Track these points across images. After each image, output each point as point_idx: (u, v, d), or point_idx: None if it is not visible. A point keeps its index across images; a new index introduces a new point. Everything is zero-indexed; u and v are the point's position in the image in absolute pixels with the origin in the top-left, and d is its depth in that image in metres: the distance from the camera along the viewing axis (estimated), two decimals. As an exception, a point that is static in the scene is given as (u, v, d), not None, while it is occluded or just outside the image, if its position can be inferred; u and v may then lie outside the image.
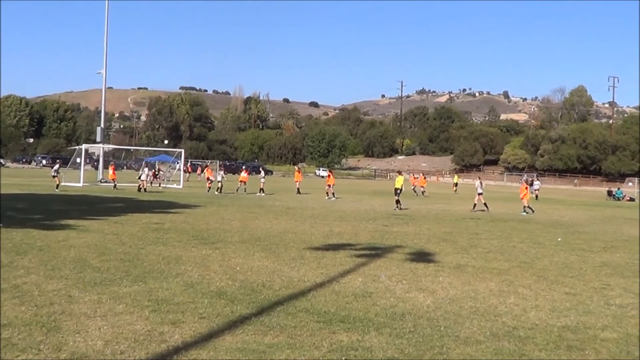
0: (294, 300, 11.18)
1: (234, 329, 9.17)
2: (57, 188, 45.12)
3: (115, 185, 52.43)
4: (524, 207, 37.44)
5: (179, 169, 68.57)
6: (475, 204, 39.22)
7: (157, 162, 75.30)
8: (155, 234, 20.32)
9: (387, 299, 11.62)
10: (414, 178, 63.88)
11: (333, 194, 46.31)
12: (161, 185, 57.82)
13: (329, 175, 50.01)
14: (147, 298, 10.89)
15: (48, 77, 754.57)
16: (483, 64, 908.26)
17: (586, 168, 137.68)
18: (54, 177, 46.92)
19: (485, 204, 38.58)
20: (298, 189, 51.91)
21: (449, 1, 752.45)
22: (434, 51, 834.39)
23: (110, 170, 55.55)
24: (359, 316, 10.19)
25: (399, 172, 43.84)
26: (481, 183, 41.57)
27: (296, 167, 57.95)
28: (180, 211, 29.95)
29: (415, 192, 58.41)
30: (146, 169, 49.67)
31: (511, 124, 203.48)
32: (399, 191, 37.63)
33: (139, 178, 49.88)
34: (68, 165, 63.52)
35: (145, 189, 47.51)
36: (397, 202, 36.86)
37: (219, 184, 49.42)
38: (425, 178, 64.57)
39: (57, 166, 49.19)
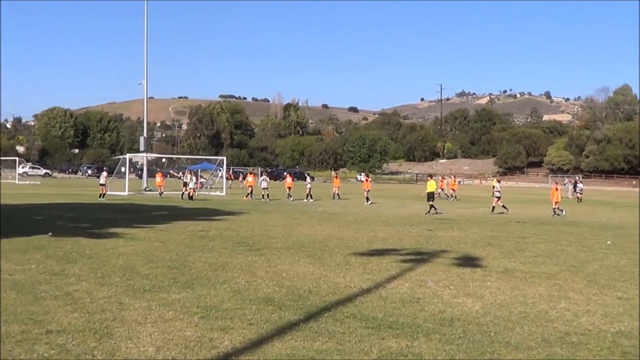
0: (341, 306, 11.13)
1: (283, 335, 9.16)
2: (100, 197, 45.50)
3: (161, 193, 52.78)
4: (554, 209, 37.05)
5: (221, 177, 68.86)
6: (494, 207, 38.95)
7: (187, 170, 75.61)
8: (201, 241, 20.42)
9: (435, 305, 11.52)
10: (442, 180, 63.17)
11: (367, 198, 46.19)
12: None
13: (365, 180, 49.91)
14: (196, 305, 10.94)
15: (91, 89, 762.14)
16: (524, 65, 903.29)
17: (634, 169, 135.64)
18: (101, 185, 47.33)
19: (493, 208, 38.56)
20: (337, 194, 51.76)
21: (488, 2, 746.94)
22: (473, 53, 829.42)
23: (158, 178, 55.78)
24: (407, 322, 10.11)
25: (430, 176, 43.63)
26: (499, 186, 41.46)
27: (334, 173, 57.86)
28: (225, 218, 30.06)
29: (440, 195, 57.27)
30: (193, 177, 49.68)
31: (554, 125, 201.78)
32: (431, 195, 37.41)
33: (185, 185, 49.96)
34: (113, 175, 64.12)
35: (192, 197, 47.53)
36: (431, 206, 36.63)
37: (264, 190, 49.48)
38: (455, 181, 63.56)
39: (105, 173, 49.73)
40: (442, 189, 59.34)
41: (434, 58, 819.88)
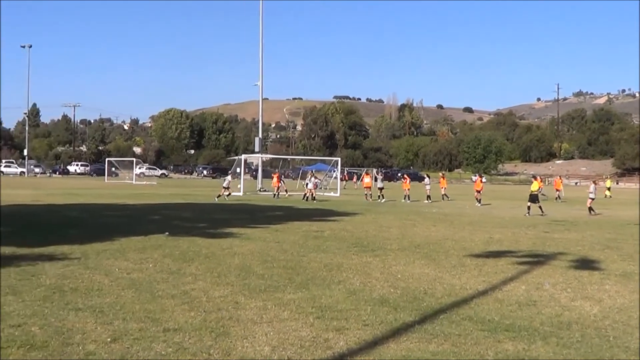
0: (456, 308, 11.02)
1: (398, 336, 9.11)
2: (217, 198, 46.26)
3: (276, 195, 53.14)
4: None
5: (336, 178, 69.09)
6: (590, 208, 38.01)
7: (309, 171, 75.98)
8: (316, 241, 20.52)
9: (552, 308, 11.30)
10: (540, 181, 61.49)
11: (479, 200, 45.56)
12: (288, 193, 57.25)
13: (476, 181, 49.23)
14: (311, 305, 10.98)
15: (207, 91, 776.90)
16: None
17: None
18: (225, 187, 48.15)
19: (589, 209, 37.65)
20: (444, 194, 51.29)
21: (603, 1, 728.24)
22: (590, 52, 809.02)
23: (275, 179, 56.23)
24: (523, 325, 9.95)
25: (534, 177, 42.66)
26: (595, 187, 40.45)
27: (440, 174, 57.29)
28: (339, 219, 30.13)
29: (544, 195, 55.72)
30: (313, 178, 49.85)
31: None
32: (535, 195, 36.62)
33: (306, 186, 50.15)
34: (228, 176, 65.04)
35: (314, 198, 47.59)
36: (529, 208, 35.76)
37: (380, 191, 49.40)
38: (561, 181, 61.85)
39: (229, 177, 50.49)
40: (540, 189, 57.63)
41: (550, 57, 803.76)
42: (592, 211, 37.46)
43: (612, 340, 9.26)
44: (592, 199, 38.21)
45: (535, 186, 37.46)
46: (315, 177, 51.72)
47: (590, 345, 8.97)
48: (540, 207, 35.94)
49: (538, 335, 9.40)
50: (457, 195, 59.05)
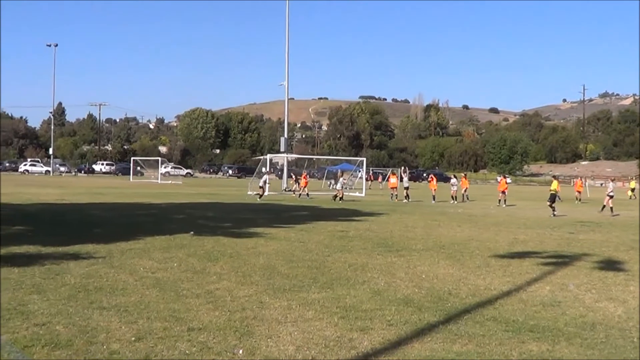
0: (481, 309, 11.00)
1: (422, 336, 9.11)
2: (259, 198, 46.36)
3: (300, 194, 52.97)
4: None
5: (361, 178, 69.03)
6: (604, 206, 37.93)
7: (339, 171, 75.90)
8: (340, 241, 20.51)
9: (577, 309, 11.26)
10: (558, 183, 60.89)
11: (504, 200, 45.32)
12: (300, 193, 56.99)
13: (500, 182, 49.09)
14: (336, 305, 10.97)
15: (232, 90, 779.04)
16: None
17: None
18: (260, 187, 48.22)
19: (611, 209, 37.40)
20: (466, 195, 51.11)
21: (629, 1, 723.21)
22: (616, 53, 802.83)
23: (303, 179, 56.04)
24: (548, 326, 9.94)
25: (554, 177, 42.45)
26: (614, 185, 40.48)
27: (462, 174, 57.03)
28: (364, 219, 30.11)
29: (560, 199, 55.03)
30: (341, 179, 49.78)
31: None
32: (554, 195, 36.38)
33: (336, 186, 49.97)
34: (253, 175, 65.14)
35: (341, 198, 47.48)
36: (553, 209, 35.52)
37: (405, 191, 49.30)
38: (582, 183, 61.23)
39: (265, 177, 50.55)
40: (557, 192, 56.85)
41: (576, 58, 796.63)
42: (611, 211, 37.21)
43: (636, 341, 9.23)
44: (611, 197, 37.97)
45: (555, 185, 37.27)
46: (344, 178, 51.59)
47: (614, 346, 8.94)
48: (553, 208, 35.82)
49: (562, 335, 9.39)
50: (482, 196, 58.87)
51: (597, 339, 9.28)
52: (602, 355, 8.49)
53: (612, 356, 8.47)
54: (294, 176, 61.00)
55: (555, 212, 35.00)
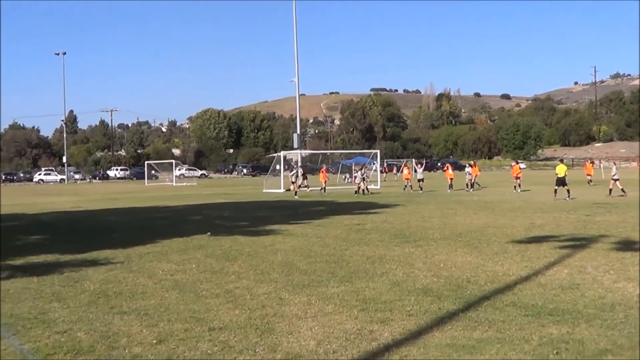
0: (500, 295, 11.01)
1: (442, 325, 9.13)
2: (295, 195, 46.49)
3: (323, 189, 52.99)
4: None
5: (376, 170, 68.95)
6: (611, 189, 37.48)
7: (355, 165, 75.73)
8: (358, 234, 20.53)
9: (595, 290, 11.25)
10: (587, 165, 60.24)
11: (519, 185, 45.25)
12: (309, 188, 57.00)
13: (513, 167, 48.91)
14: (355, 298, 11.00)
15: (243, 89, 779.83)
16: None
17: None
18: (292, 182, 48.28)
19: (622, 189, 36.95)
20: (477, 182, 50.90)
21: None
22: (626, 32, 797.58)
23: (321, 174, 55.91)
24: (567, 308, 9.93)
25: (561, 160, 42.24)
26: (617, 168, 40.05)
27: (472, 162, 56.85)
28: (380, 211, 30.09)
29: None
30: (359, 173, 49.71)
31: None
32: (561, 179, 36.18)
33: (348, 181, 49.88)
34: (268, 173, 65.21)
35: (364, 191, 47.41)
36: (568, 191, 35.26)
37: (419, 182, 49.19)
38: (593, 165, 60.52)
39: (294, 171, 50.51)
40: (590, 175, 56.47)
41: (586, 40, 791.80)
42: (623, 192, 36.96)
43: (656, 320, 9.19)
44: (617, 180, 37.73)
45: (561, 170, 36.86)
46: (359, 171, 51.46)
47: (634, 325, 8.92)
48: (555, 192, 35.77)
49: (582, 317, 9.38)
50: (497, 183, 58.74)
51: (616, 319, 9.27)
52: (622, 335, 8.46)
53: (632, 336, 8.43)
54: (302, 171, 60.98)
55: (569, 196, 34.76)
